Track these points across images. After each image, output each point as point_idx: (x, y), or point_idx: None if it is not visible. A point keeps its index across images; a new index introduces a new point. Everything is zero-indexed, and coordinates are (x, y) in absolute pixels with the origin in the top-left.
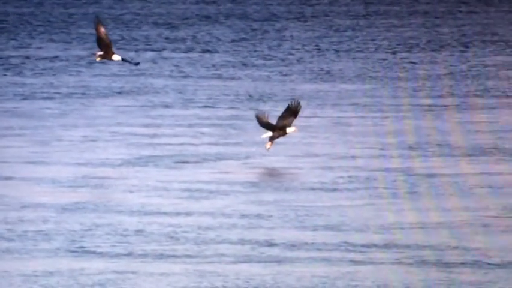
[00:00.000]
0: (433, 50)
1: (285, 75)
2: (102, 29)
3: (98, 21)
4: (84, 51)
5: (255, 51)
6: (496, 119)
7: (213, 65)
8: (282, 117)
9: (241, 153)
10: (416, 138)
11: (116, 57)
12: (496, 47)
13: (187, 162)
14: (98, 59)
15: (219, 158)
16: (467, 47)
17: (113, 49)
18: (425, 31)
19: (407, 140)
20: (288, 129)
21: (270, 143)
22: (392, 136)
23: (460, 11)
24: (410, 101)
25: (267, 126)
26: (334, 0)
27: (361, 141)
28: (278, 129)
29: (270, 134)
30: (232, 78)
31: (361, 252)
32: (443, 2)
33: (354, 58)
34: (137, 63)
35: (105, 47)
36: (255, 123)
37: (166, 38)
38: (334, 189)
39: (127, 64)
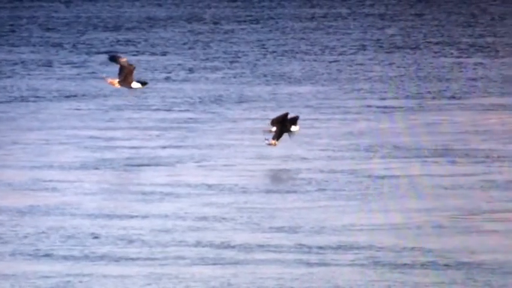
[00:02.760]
0: (381, 52)
1: (236, 77)
2: (123, 59)
3: (115, 57)
4: (33, 54)
5: (204, 53)
6: (448, 121)
7: (164, 68)
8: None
9: (195, 155)
10: (369, 140)
11: (135, 84)
12: (443, 48)
13: (141, 165)
14: (117, 86)
15: (174, 160)
16: (416, 48)
17: (133, 76)
18: (373, 33)
19: (360, 141)
20: (293, 128)
21: (274, 141)
22: (346, 138)
23: (405, 13)
24: (362, 103)
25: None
26: (280, 3)
27: (315, 143)
28: (284, 125)
29: (273, 129)
30: (183, 81)
31: (316, 253)
32: (390, 4)
33: (303, 60)
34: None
35: (127, 74)
36: (210, 125)
37: (116, 41)
38: (288, 191)
39: (89, 70)
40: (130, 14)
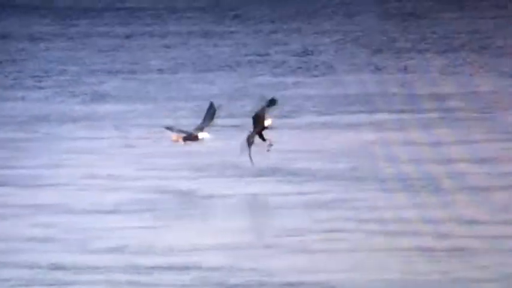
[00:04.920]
0: (208, 71)
1: (56, 95)
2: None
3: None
4: None
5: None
6: (275, 140)
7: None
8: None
9: (24, 176)
10: (198, 160)
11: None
12: (261, 67)
13: None
14: (182, 143)
15: (1, 181)
16: (237, 66)
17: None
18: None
19: (189, 161)
20: (266, 122)
21: (269, 143)
22: (174, 157)
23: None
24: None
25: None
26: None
27: (142, 162)
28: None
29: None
30: (1, 100)
31: (145, 274)
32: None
33: (125, 79)
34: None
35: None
36: (37, 144)
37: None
38: (116, 211)
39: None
40: None
